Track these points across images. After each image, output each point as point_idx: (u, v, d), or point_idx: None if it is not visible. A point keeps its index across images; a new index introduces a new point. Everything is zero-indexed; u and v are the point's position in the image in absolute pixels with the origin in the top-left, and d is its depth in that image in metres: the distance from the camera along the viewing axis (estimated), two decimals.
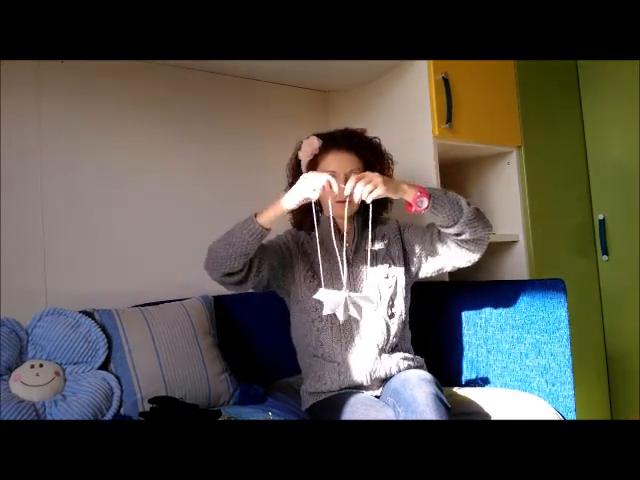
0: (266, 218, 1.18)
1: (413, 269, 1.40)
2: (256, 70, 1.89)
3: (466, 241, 1.27)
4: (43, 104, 1.56)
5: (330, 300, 1.10)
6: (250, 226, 1.18)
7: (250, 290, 1.34)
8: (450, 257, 1.33)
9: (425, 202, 1.18)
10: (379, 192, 1.14)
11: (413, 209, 1.20)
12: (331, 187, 1.14)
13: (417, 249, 1.38)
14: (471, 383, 1.57)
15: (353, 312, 1.10)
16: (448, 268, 1.37)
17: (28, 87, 1.54)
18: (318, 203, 1.42)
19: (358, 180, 1.14)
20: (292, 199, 1.16)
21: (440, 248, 1.33)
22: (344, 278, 1.16)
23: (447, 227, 1.23)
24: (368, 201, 1.15)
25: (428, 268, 1.39)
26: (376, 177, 1.15)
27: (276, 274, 1.37)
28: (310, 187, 1.13)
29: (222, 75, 1.89)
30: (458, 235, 1.25)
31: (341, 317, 1.11)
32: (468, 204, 1.23)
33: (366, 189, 1.13)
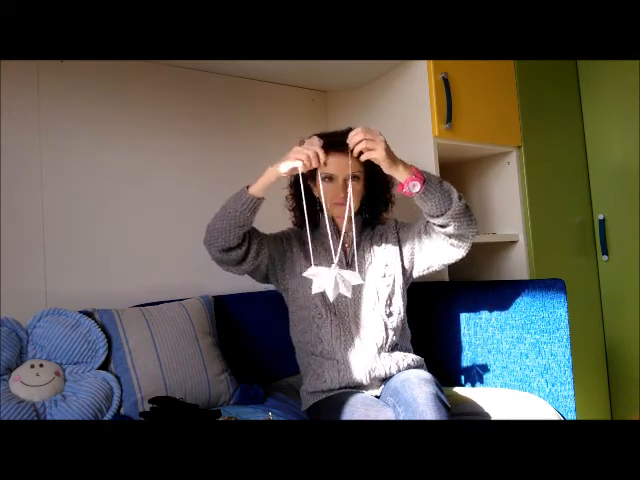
0: (257, 188, 1.21)
1: (408, 267, 1.41)
2: (256, 70, 1.89)
3: (450, 235, 1.26)
4: (43, 104, 1.56)
5: (320, 276, 1.09)
6: (242, 196, 1.21)
7: (246, 274, 1.34)
8: (436, 252, 1.33)
9: (417, 187, 1.18)
10: (375, 156, 1.15)
11: (404, 190, 1.20)
12: (319, 157, 1.17)
13: (409, 246, 1.39)
14: (471, 383, 1.57)
15: (342, 289, 1.09)
16: (435, 266, 1.37)
17: (28, 87, 1.54)
18: (319, 204, 1.42)
19: (365, 133, 1.15)
20: (281, 168, 1.18)
21: (427, 242, 1.33)
22: (335, 260, 1.13)
23: (432, 216, 1.23)
24: (362, 159, 1.17)
25: (419, 265, 1.39)
26: (381, 142, 1.15)
27: (275, 267, 1.37)
28: (297, 156, 1.16)
29: (222, 75, 1.89)
30: (442, 227, 1.25)
31: (331, 295, 1.08)
32: (459, 198, 1.22)
33: (364, 145, 1.14)
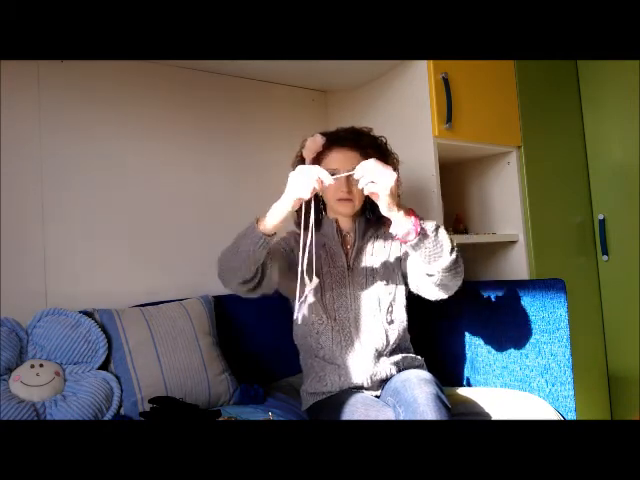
0: (269, 225, 1.14)
1: (406, 276, 1.38)
2: (256, 70, 1.89)
3: (433, 283, 1.22)
4: (43, 104, 1.56)
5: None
6: (253, 235, 1.13)
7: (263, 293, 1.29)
8: (421, 287, 1.29)
9: (412, 237, 1.12)
10: (378, 189, 1.08)
11: (394, 234, 1.14)
12: (323, 182, 1.09)
13: (405, 262, 1.35)
14: (471, 383, 1.57)
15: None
16: (421, 294, 1.32)
17: (28, 87, 1.54)
18: (322, 202, 1.41)
19: (376, 164, 1.08)
20: (286, 203, 1.11)
21: (416, 274, 1.29)
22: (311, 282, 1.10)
23: (420, 262, 1.19)
24: (365, 191, 1.11)
25: (411, 283, 1.35)
26: (391, 180, 1.08)
27: (283, 276, 1.35)
28: (301, 187, 1.08)
29: (222, 75, 1.89)
30: (428, 275, 1.21)
31: (300, 316, 1.08)
32: (451, 251, 1.15)
33: (371, 176, 1.08)
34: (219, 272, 1.22)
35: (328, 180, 1.10)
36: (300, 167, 1.11)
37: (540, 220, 1.94)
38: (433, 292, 1.27)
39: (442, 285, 1.22)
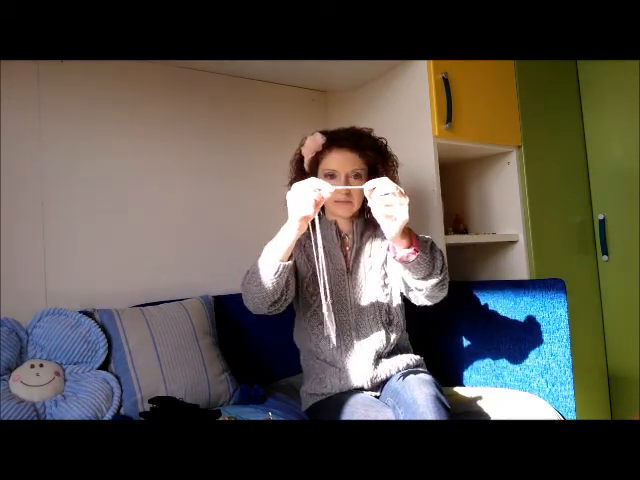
0: (283, 253, 1.12)
1: None
2: (256, 70, 1.89)
3: (421, 294, 1.24)
4: (43, 104, 1.56)
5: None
6: (270, 264, 1.13)
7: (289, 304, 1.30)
8: (408, 293, 1.30)
9: (411, 258, 1.11)
10: (397, 215, 1.02)
11: (394, 256, 1.13)
12: (321, 192, 1.03)
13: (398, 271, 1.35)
14: (471, 383, 1.57)
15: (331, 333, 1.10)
16: (407, 297, 1.32)
17: (28, 87, 1.54)
18: None
19: (395, 188, 1.02)
20: (292, 227, 1.07)
21: (404, 281, 1.28)
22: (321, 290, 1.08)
23: (410, 276, 1.19)
24: (379, 215, 1.04)
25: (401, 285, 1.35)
26: (405, 215, 1.03)
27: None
28: (302, 205, 1.03)
29: (222, 75, 1.90)
30: (417, 288, 1.22)
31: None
32: (441, 270, 1.17)
33: (391, 199, 1.02)
34: (245, 302, 1.23)
35: (327, 189, 1.03)
36: (295, 185, 1.05)
37: (540, 220, 1.94)
38: (419, 300, 1.29)
39: (429, 297, 1.25)
